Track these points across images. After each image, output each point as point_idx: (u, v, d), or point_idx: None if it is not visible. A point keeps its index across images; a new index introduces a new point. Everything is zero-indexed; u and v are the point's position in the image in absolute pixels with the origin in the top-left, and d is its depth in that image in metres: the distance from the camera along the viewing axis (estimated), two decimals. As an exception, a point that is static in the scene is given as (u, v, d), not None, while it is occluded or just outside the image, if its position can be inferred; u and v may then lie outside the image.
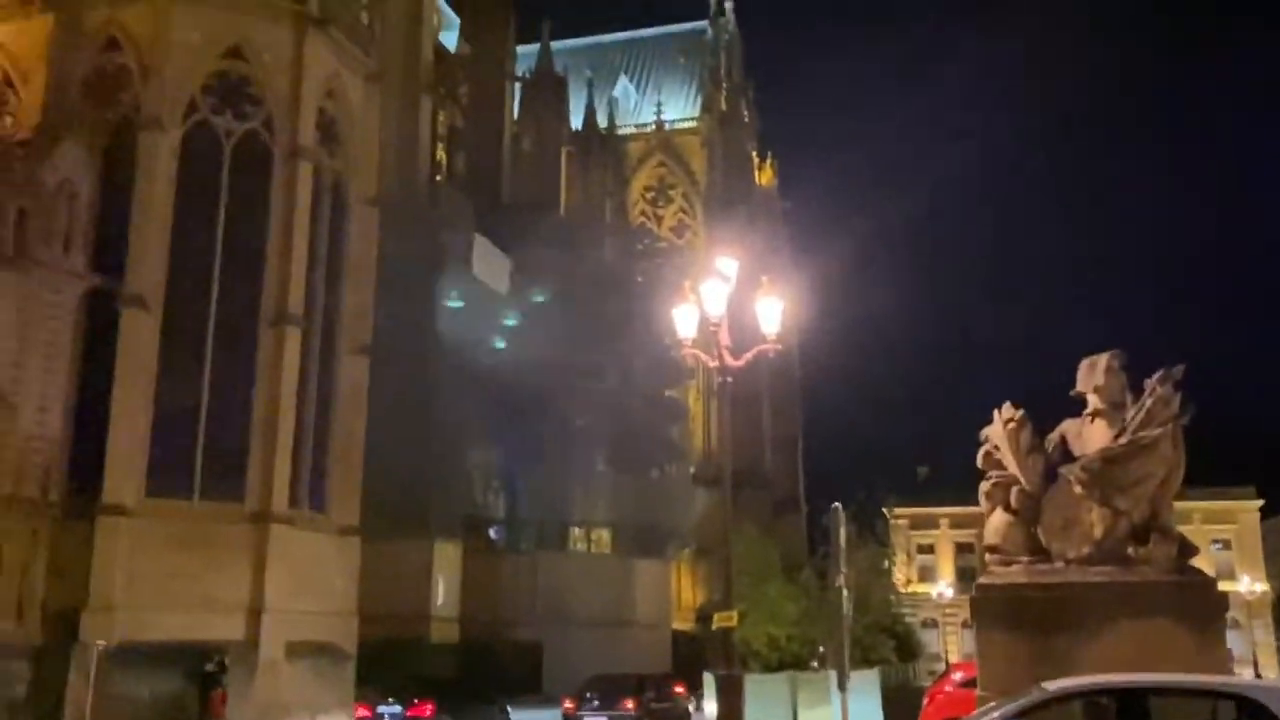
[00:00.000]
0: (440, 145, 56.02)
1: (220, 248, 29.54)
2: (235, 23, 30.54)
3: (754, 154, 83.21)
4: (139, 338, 27.63)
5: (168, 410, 28.01)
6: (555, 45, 71.89)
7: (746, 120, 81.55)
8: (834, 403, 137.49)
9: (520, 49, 66.23)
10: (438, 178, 52.54)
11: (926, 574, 70.44)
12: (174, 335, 28.44)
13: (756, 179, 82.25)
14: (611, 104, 76.98)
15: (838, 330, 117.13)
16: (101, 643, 24.60)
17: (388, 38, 43.16)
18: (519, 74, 65.91)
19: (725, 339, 15.67)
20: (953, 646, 65.93)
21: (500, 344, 48.31)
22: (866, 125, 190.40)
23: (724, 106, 78.57)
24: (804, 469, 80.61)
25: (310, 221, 31.18)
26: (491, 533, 50.35)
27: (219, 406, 28.86)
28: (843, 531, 16.55)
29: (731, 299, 15.73)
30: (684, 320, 16.16)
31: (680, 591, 60.79)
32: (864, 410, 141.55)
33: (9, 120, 29.27)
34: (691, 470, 60.99)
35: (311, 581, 29.03)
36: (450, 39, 63.58)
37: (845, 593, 16.43)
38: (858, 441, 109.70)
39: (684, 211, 78.66)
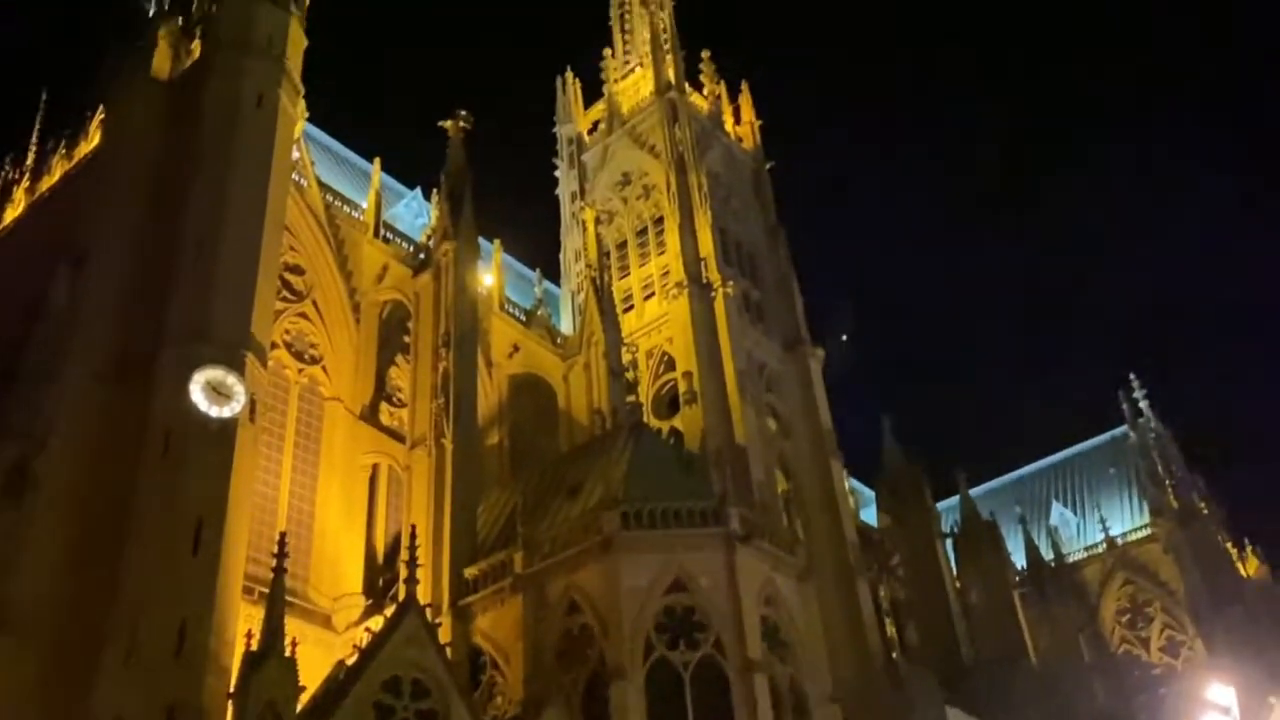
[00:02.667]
0: (888, 621, 55.27)
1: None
2: (673, 560, 33.04)
3: (1228, 544, 75.24)
4: None
5: None
6: (976, 491, 71.45)
7: (1207, 511, 74.85)
8: None
9: (942, 504, 66.35)
10: (893, 654, 51.30)
11: None
12: None
13: (1242, 570, 73.61)
14: (1051, 533, 73.99)
15: None
16: None
17: (811, 531, 44.91)
18: (947, 530, 65.38)
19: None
20: None
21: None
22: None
23: (1174, 504, 72.94)
24: None
25: (776, 731, 31.10)
26: None
27: None
28: None
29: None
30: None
31: None
32: None
33: (500, 699, 32.36)
34: None
35: None
36: (869, 514, 65.01)
37: None
38: None
39: (1170, 627, 70.97)
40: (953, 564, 64.37)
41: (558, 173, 63.09)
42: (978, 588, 63.56)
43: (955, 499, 69.87)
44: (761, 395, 51.13)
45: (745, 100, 65.65)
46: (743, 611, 32.42)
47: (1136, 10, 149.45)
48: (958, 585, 62.82)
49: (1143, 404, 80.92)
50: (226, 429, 30.33)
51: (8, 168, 45.33)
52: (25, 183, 44.04)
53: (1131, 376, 78.29)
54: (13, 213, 43.59)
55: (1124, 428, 79.92)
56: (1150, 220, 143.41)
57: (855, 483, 63.48)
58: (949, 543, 65.27)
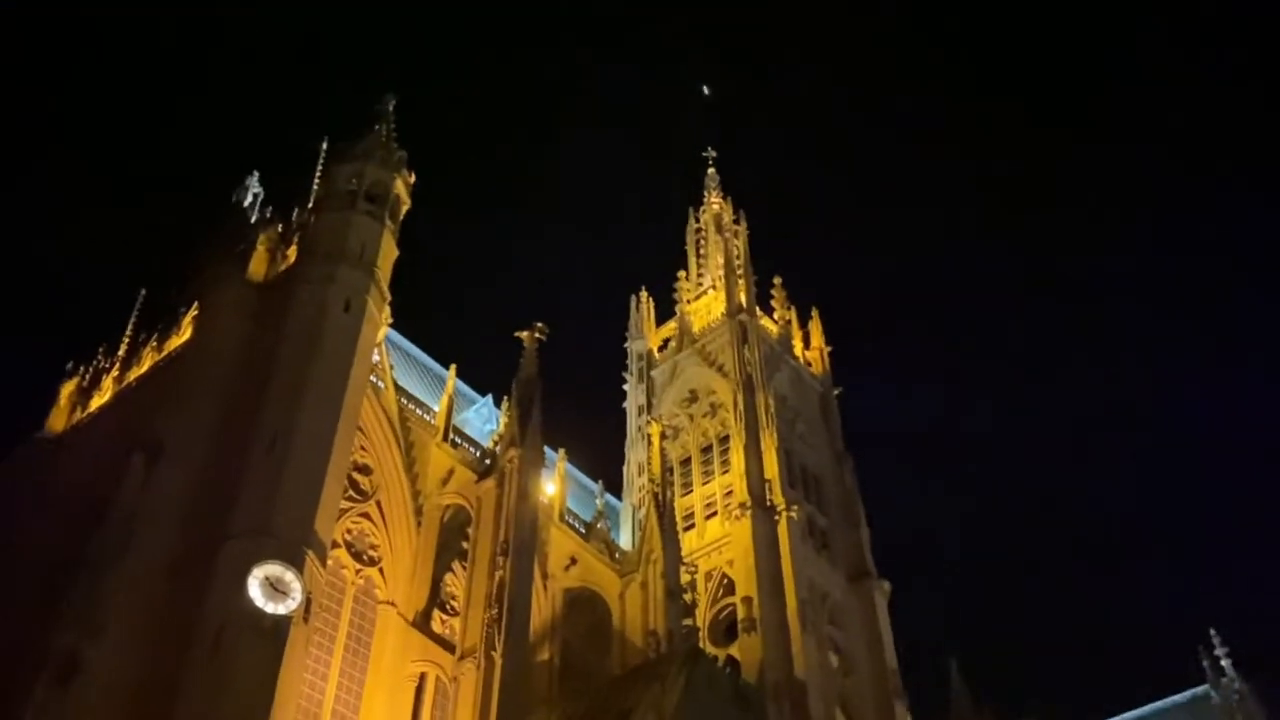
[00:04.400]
0: None
1: None
2: None
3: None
4: None
5: None
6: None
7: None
8: None
9: None
10: None
11: None
12: None
13: None
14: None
15: None
16: None
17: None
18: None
19: None
20: None
21: None
22: None
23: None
24: None
25: None
26: None
27: None
28: None
29: None
30: None
31: None
32: None
33: None
34: None
35: None
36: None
37: None
38: None
39: None
40: None
41: (626, 386, 64.01)
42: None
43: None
44: (823, 627, 49.60)
45: (815, 326, 66.74)
46: None
47: None
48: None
49: (1224, 662, 76.95)
50: (280, 626, 30.07)
51: (100, 357, 47.15)
52: (115, 372, 45.70)
53: (1212, 632, 74.84)
54: (99, 400, 45.06)
55: (1205, 686, 75.91)
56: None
57: (918, 725, 60.49)
58: None
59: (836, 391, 63.66)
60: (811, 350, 65.58)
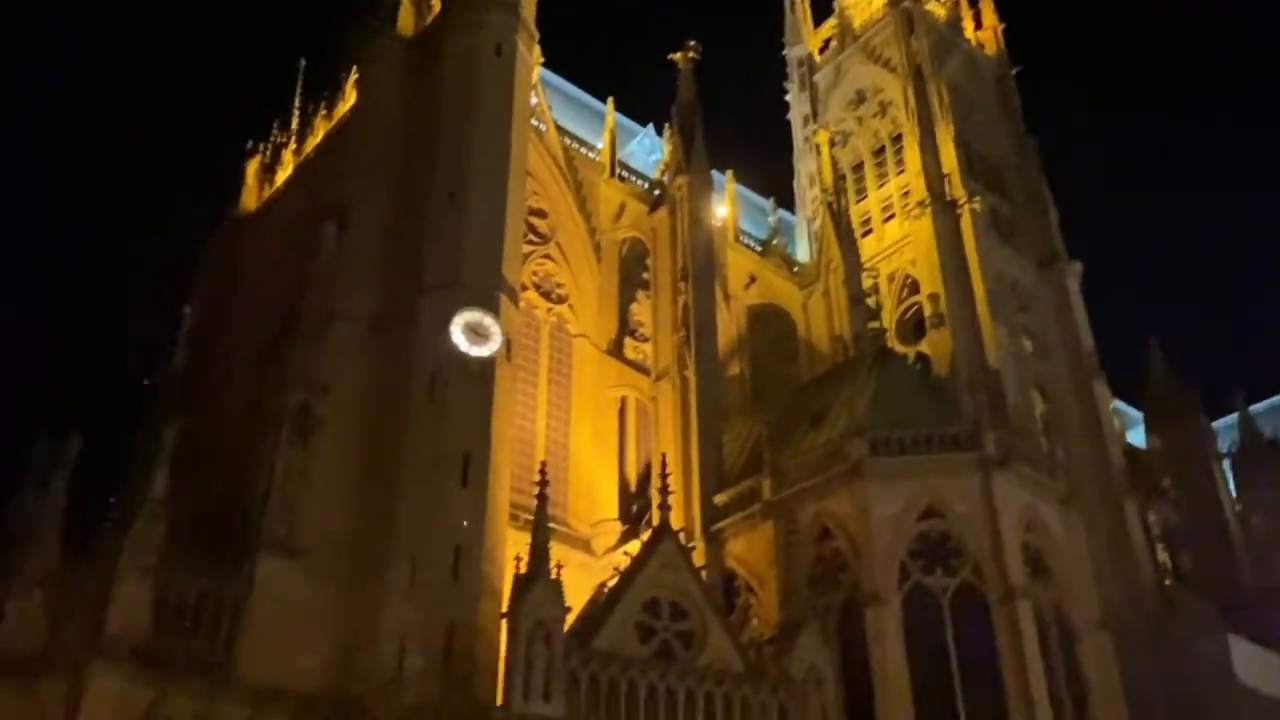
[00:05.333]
0: (1159, 547, 52.38)
1: (960, 702, 29.66)
2: (924, 486, 32.53)
3: None
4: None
5: None
6: (1256, 408, 66.23)
7: None
8: None
9: (1218, 423, 61.92)
10: (1166, 581, 48.63)
11: None
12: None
13: None
14: (1346, 451, 67.55)
15: None
16: None
17: (1073, 455, 42.88)
18: (1224, 450, 61.00)
19: None
20: None
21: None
22: None
23: None
24: None
25: (1042, 660, 30.26)
26: None
27: None
28: None
29: None
30: None
31: None
32: None
33: (756, 621, 32.90)
34: None
35: None
36: (1136, 436, 61.48)
37: None
38: None
39: None
40: (1231, 486, 60.15)
41: (788, 97, 61.99)
42: (1260, 511, 59.19)
43: (1233, 417, 64.98)
44: (1014, 315, 48.80)
45: (986, 3, 62.23)
46: (1002, 538, 31.58)
47: None
48: (1237, 509, 58.68)
49: None
50: (486, 368, 31.86)
51: (275, 133, 48.66)
52: (292, 145, 47.22)
53: None
54: (283, 175, 46.91)
55: None
56: None
57: (1120, 404, 60.02)
58: (1226, 464, 60.97)
59: (1014, 71, 59.92)
60: (984, 30, 61.31)
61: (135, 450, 37.30)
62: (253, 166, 48.13)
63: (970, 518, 32.06)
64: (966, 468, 32.75)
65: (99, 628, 25.00)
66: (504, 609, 27.30)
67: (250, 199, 47.44)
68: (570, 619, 27.49)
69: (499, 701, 26.02)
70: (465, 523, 29.03)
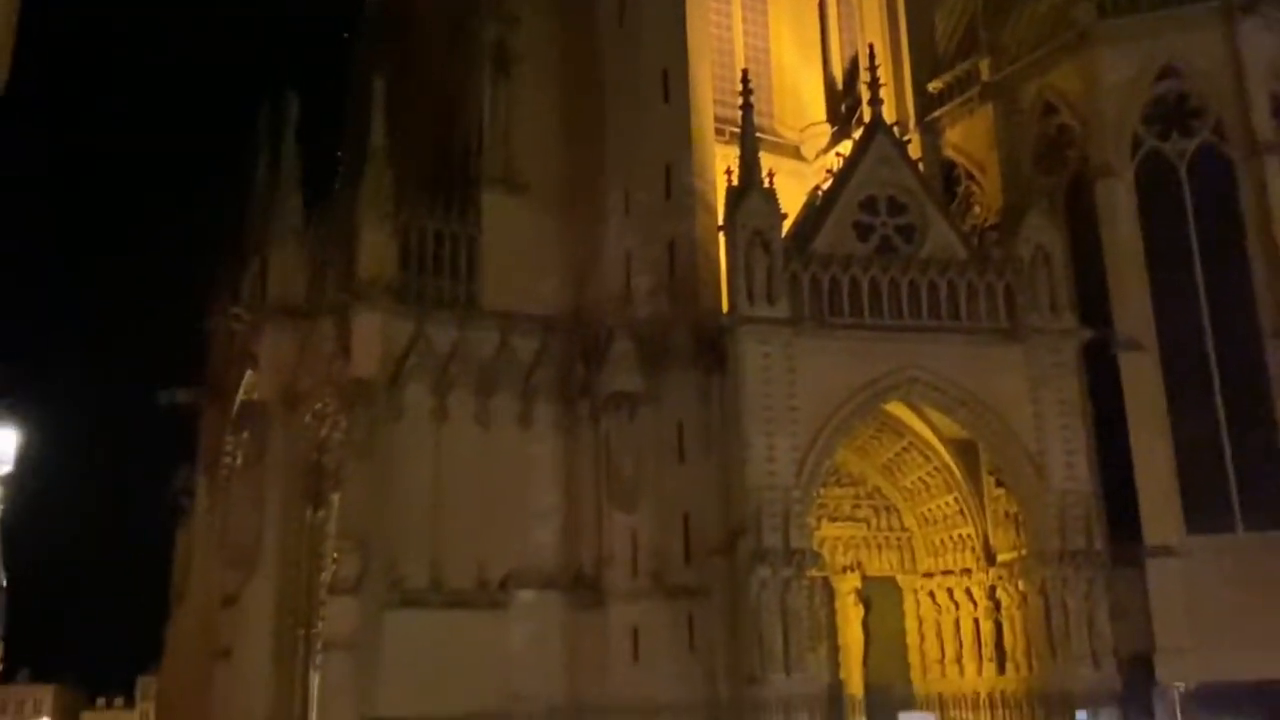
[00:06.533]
0: None
1: (1200, 269, 28.81)
2: (1159, 45, 29.93)
3: None
4: (1142, 379, 28.09)
5: (1187, 445, 27.77)
6: None
7: None
8: None
9: None
10: None
11: None
12: (1174, 368, 28.33)
13: None
14: None
15: None
16: (1179, 685, 24.64)
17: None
18: None
19: None
20: None
21: None
22: None
23: None
24: None
25: (1292, 217, 28.56)
26: None
27: (1239, 433, 27.73)
28: None
29: None
30: None
31: None
32: None
33: (977, 209, 32.20)
34: None
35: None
36: None
37: None
38: None
39: None
40: None
41: None
42: None
43: None
44: None
45: None
46: (1248, 88, 29.06)
47: None
48: None
49: None
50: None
51: None
52: None
53: None
54: None
55: None
56: None
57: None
58: None
59: None
60: None
61: (349, 103, 38.32)
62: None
63: (1211, 73, 29.55)
64: (1208, 19, 29.79)
65: (351, 272, 27.03)
66: (720, 223, 27.62)
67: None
68: (786, 225, 27.59)
69: (724, 309, 26.97)
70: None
